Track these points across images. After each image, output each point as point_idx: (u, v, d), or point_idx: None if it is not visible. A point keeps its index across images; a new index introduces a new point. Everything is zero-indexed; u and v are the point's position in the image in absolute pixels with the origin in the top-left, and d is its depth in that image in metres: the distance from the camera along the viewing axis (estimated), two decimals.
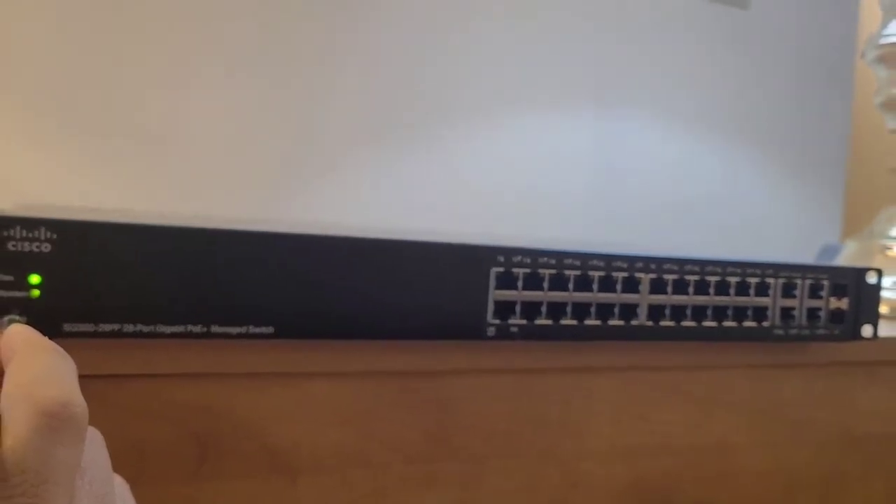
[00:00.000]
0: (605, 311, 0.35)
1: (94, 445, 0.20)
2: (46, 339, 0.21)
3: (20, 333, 0.21)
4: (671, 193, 0.83)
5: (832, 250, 0.66)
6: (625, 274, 0.35)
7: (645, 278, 0.35)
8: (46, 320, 0.26)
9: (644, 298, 0.35)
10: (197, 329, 0.28)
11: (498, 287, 0.33)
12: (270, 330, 0.29)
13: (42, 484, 0.17)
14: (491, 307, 0.32)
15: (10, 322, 0.24)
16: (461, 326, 0.32)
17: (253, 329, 0.29)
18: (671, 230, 0.83)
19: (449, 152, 0.73)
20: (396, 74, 0.70)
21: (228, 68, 0.64)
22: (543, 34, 0.76)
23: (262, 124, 0.65)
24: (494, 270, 0.32)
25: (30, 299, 0.26)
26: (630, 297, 0.35)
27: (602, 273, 0.34)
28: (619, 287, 0.35)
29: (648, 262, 0.35)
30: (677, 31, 0.82)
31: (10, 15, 0.57)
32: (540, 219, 0.77)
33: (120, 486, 0.22)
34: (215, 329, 0.28)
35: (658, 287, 0.36)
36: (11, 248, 0.26)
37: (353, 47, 0.68)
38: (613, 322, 0.35)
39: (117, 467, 0.22)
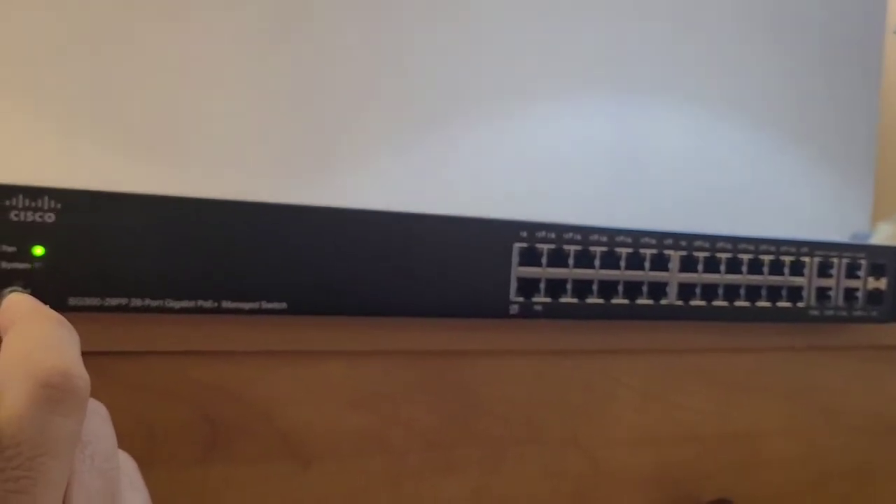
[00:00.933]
0: (632, 289, 0.33)
1: (98, 419, 0.19)
2: (47, 307, 0.20)
3: (20, 302, 0.20)
4: (695, 182, 0.81)
5: (862, 239, 0.64)
6: (654, 251, 0.33)
7: (675, 256, 0.34)
8: (51, 293, 0.25)
9: (674, 277, 0.34)
10: (207, 304, 0.27)
11: (521, 263, 0.31)
12: (283, 306, 0.28)
13: (38, 457, 0.16)
14: (514, 284, 0.31)
15: (12, 292, 0.23)
16: (483, 304, 0.31)
17: (265, 305, 0.28)
18: (696, 220, 0.81)
19: (464, 144, 0.72)
20: (411, 65, 0.69)
21: (236, 65, 0.63)
22: (563, 19, 0.74)
23: (268, 122, 0.64)
24: (517, 246, 0.31)
25: (33, 271, 0.25)
26: (659, 276, 0.33)
27: (630, 250, 0.33)
28: (647, 265, 0.33)
29: (678, 239, 0.34)
30: (699, 15, 0.80)
31: (10, 16, 0.57)
32: (560, 211, 0.75)
33: (126, 462, 0.21)
34: (226, 304, 0.27)
35: (688, 265, 0.34)
36: (14, 218, 0.25)
37: (362, 40, 0.67)
38: (641, 301, 0.33)
39: (124, 447, 0.21)
